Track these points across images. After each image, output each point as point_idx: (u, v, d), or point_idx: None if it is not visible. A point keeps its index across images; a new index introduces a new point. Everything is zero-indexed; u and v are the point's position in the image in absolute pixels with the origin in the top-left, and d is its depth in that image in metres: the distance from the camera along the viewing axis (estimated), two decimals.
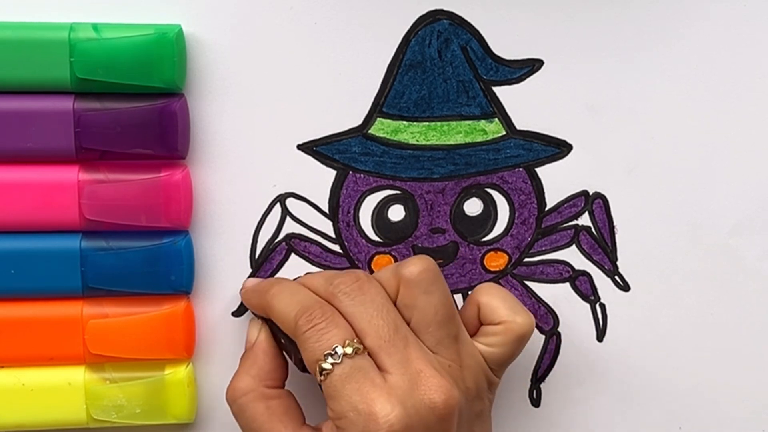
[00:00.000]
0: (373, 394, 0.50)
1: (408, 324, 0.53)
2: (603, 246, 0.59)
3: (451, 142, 0.58)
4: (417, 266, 0.53)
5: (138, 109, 0.54)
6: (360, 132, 0.57)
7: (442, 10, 0.57)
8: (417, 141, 0.58)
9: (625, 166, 0.59)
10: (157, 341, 0.56)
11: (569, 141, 0.58)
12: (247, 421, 0.53)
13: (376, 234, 0.58)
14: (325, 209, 0.58)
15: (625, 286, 0.60)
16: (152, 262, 0.56)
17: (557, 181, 0.59)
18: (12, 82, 0.54)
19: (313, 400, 0.56)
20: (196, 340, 0.58)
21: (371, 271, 0.58)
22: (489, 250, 0.59)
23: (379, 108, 0.57)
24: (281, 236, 0.58)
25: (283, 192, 0.58)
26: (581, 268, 0.59)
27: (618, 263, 0.59)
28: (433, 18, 0.57)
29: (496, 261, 0.59)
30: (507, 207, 0.59)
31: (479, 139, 0.58)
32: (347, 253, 0.58)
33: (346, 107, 0.57)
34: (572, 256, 0.59)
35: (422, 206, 0.58)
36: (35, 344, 0.56)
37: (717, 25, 0.58)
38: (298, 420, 0.54)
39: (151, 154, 0.55)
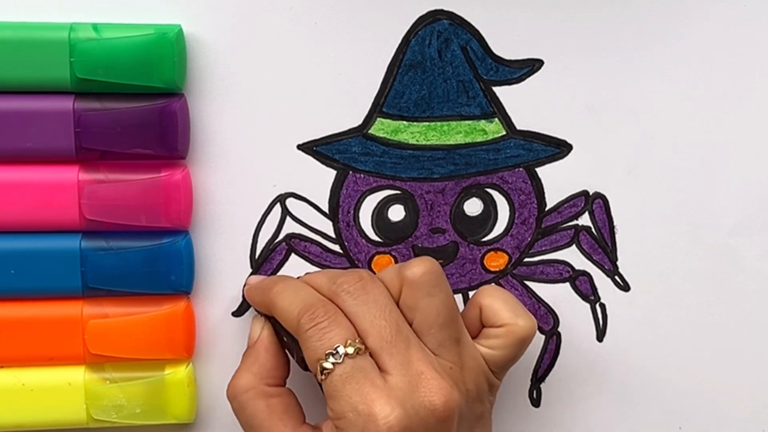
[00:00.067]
0: (373, 395, 0.50)
1: (410, 325, 0.53)
2: (603, 246, 0.59)
3: (451, 142, 0.58)
4: (420, 267, 0.53)
5: (138, 109, 0.54)
6: (360, 132, 0.57)
7: (442, 10, 0.57)
8: (417, 141, 0.58)
9: (625, 166, 0.59)
10: (157, 341, 0.56)
11: (569, 141, 0.58)
12: (247, 418, 0.53)
13: (376, 234, 0.58)
14: (325, 209, 0.58)
15: (625, 286, 0.60)
16: (152, 262, 0.56)
17: (557, 181, 0.59)
18: (12, 82, 0.54)
19: (314, 399, 0.56)
20: (196, 340, 0.58)
21: (372, 272, 0.58)
22: (489, 250, 0.59)
23: (379, 108, 0.57)
24: (281, 236, 0.58)
25: (283, 192, 0.58)
26: (581, 268, 0.59)
27: (618, 263, 0.59)
28: (433, 18, 0.57)
29: (496, 261, 0.59)
30: (507, 207, 0.59)
31: (479, 139, 0.58)
32: (347, 253, 0.58)
33: (346, 107, 0.57)
34: (572, 256, 0.59)
35: (422, 206, 0.58)
36: (35, 344, 0.56)
37: (717, 25, 0.58)
38: (298, 419, 0.54)
39: (151, 154, 0.55)
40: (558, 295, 0.59)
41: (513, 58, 0.58)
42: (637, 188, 0.59)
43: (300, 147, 0.57)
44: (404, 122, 0.57)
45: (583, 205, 0.59)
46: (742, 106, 0.59)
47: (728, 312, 0.60)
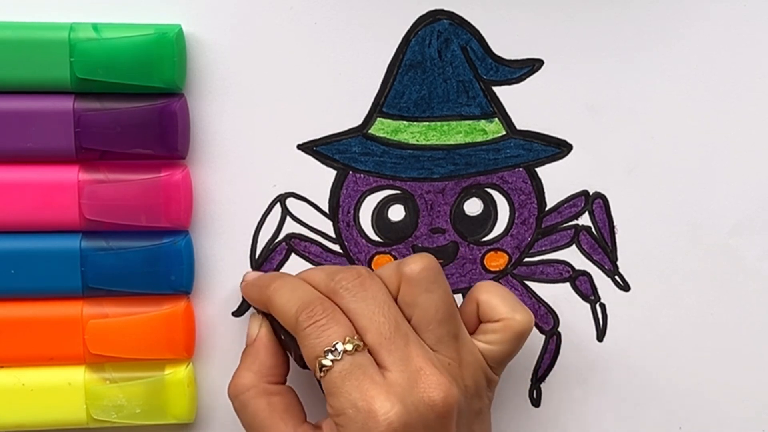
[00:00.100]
0: (373, 391, 0.50)
1: (408, 321, 0.53)
2: (603, 246, 0.59)
3: (451, 142, 0.58)
4: (419, 264, 0.53)
5: (138, 109, 0.54)
6: (360, 132, 0.57)
7: (442, 10, 0.57)
8: (417, 141, 0.58)
9: (625, 166, 0.59)
10: (157, 341, 0.56)
11: (569, 141, 0.58)
12: (249, 417, 0.53)
13: (376, 234, 0.58)
14: (325, 209, 0.58)
15: (625, 286, 0.60)
16: (152, 262, 0.56)
17: (557, 181, 0.59)
18: (12, 82, 0.54)
19: (313, 397, 0.56)
20: (196, 340, 0.58)
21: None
22: (489, 250, 0.59)
23: (379, 108, 0.57)
24: (281, 236, 0.58)
25: (283, 192, 0.58)
26: (581, 268, 0.59)
27: (618, 263, 0.59)
28: (433, 18, 0.57)
29: (496, 261, 0.59)
30: (507, 207, 0.59)
31: (479, 139, 0.58)
32: (347, 253, 0.58)
33: (346, 107, 0.57)
34: (572, 256, 0.59)
35: (422, 206, 0.58)
36: (35, 344, 0.56)
37: (717, 25, 0.58)
38: (299, 417, 0.54)
39: (151, 154, 0.55)
40: (558, 295, 0.59)
41: (513, 58, 0.58)
42: (637, 188, 0.59)
43: (300, 147, 0.57)
44: (404, 122, 0.57)
45: (583, 205, 0.59)
46: (742, 106, 0.59)
47: (728, 312, 0.60)
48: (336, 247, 0.58)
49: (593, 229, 0.59)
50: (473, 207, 0.59)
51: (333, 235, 0.58)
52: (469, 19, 0.57)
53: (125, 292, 0.56)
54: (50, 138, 0.54)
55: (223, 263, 0.58)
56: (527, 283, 0.59)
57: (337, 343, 0.50)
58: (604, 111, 0.58)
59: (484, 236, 0.59)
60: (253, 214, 0.58)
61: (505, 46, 0.57)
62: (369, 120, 0.57)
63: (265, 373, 0.54)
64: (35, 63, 0.53)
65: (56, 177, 0.55)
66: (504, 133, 0.58)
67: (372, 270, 0.54)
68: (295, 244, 0.58)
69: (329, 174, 0.58)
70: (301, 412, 0.54)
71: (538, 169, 0.58)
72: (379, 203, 0.58)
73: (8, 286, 0.55)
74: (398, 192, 0.58)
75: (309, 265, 0.58)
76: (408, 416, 0.50)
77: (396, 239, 0.58)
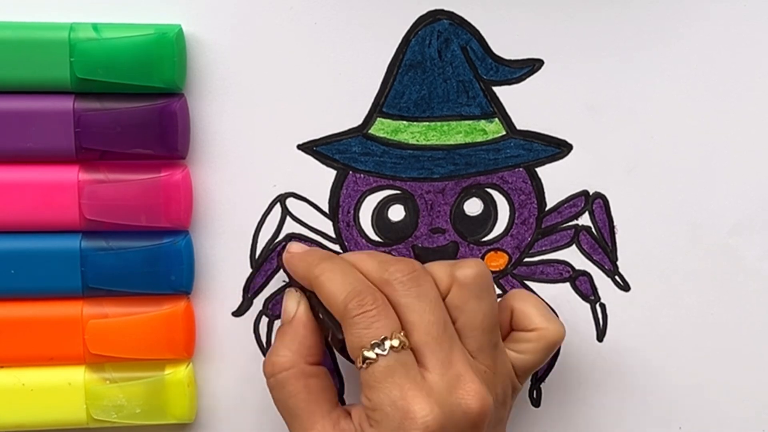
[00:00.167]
0: (413, 392, 0.49)
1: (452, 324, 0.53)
2: (603, 246, 0.59)
3: (451, 142, 0.58)
4: (473, 269, 0.53)
5: (138, 109, 0.54)
6: (360, 132, 0.57)
7: (442, 10, 0.57)
8: (417, 141, 0.58)
9: (625, 166, 0.59)
10: (157, 341, 0.56)
11: (569, 141, 0.58)
12: (285, 396, 0.53)
13: (376, 234, 0.58)
14: (325, 209, 0.58)
15: (625, 286, 0.60)
16: (152, 262, 0.56)
17: (557, 181, 0.59)
18: (12, 82, 0.54)
19: None
20: (196, 340, 0.58)
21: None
22: (489, 250, 0.59)
23: (379, 108, 0.57)
24: (281, 236, 0.58)
25: (283, 192, 0.58)
26: (581, 268, 0.59)
27: (618, 263, 0.59)
28: (433, 18, 0.57)
29: (497, 261, 0.59)
30: (507, 207, 0.59)
31: (479, 139, 0.58)
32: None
33: (346, 107, 0.57)
34: (572, 256, 0.59)
35: (422, 206, 0.58)
36: (35, 344, 0.56)
37: (717, 25, 0.58)
38: (332, 401, 0.53)
39: (151, 154, 0.55)
40: (558, 295, 0.59)
41: (513, 58, 0.58)
42: (637, 188, 0.59)
43: (300, 147, 0.57)
44: (404, 122, 0.57)
45: (583, 205, 0.59)
46: (742, 106, 0.59)
47: (728, 312, 0.60)
48: (336, 247, 0.58)
49: (593, 229, 0.59)
50: (473, 207, 0.59)
51: (333, 235, 0.58)
52: (469, 19, 0.57)
53: (125, 292, 0.56)
54: (50, 138, 0.54)
55: (223, 263, 0.58)
56: (527, 283, 0.59)
57: (384, 337, 0.50)
58: (604, 111, 0.58)
59: (484, 236, 0.59)
60: (253, 214, 0.58)
61: (505, 46, 0.57)
62: (369, 120, 0.57)
63: (304, 353, 0.53)
64: (35, 63, 0.53)
65: (56, 177, 0.55)
66: (504, 133, 0.58)
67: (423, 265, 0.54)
68: None
69: (329, 174, 0.58)
70: (334, 395, 0.54)
71: (538, 169, 0.58)
72: (379, 203, 0.58)
73: (8, 286, 0.55)
74: (398, 192, 0.58)
75: None
76: (445, 421, 0.49)
77: (396, 239, 0.58)
